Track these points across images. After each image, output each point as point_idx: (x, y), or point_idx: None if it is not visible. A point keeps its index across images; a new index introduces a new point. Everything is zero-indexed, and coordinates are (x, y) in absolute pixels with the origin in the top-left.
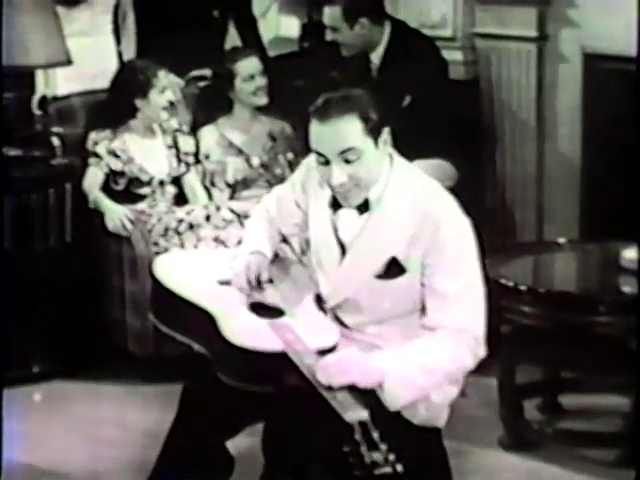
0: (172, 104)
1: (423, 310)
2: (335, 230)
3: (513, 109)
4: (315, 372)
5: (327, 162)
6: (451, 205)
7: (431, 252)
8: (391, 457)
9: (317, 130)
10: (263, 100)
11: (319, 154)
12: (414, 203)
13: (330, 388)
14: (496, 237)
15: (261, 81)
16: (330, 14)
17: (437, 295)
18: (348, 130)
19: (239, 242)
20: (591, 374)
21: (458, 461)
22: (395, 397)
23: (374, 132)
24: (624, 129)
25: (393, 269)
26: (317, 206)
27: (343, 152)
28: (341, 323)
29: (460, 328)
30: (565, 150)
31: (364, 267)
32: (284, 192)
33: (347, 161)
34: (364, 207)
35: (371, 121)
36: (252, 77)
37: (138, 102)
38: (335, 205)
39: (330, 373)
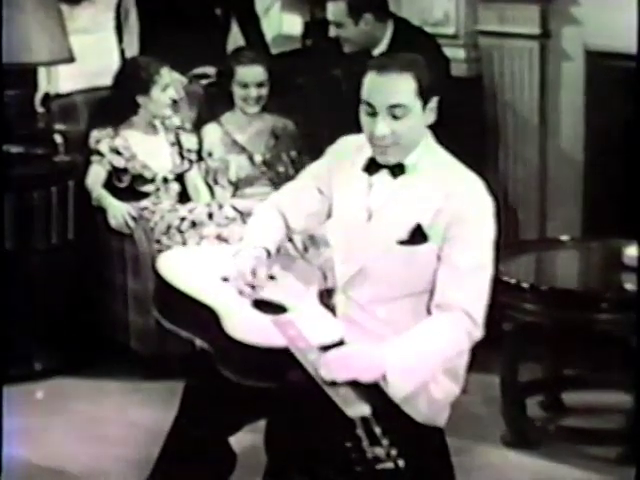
0: (175, 101)
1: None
2: (367, 196)
3: (516, 107)
4: (318, 368)
5: (374, 114)
6: (479, 185)
7: (454, 225)
8: (393, 452)
9: (372, 81)
10: (252, 110)
11: (369, 104)
12: (445, 177)
13: (333, 383)
14: (498, 234)
15: (254, 92)
16: (334, 10)
17: (451, 268)
18: (402, 86)
19: (241, 239)
20: (593, 371)
21: (461, 458)
22: (399, 388)
23: (425, 96)
24: (626, 127)
25: (417, 236)
26: (349, 180)
27: (392, 106)
28: (351, 305)
29: (464, 308)
30: (567, 147)
31: (389, 231)
32: (302, 183)
33: (394, 116)
34: (399, 171)
35: (424, 85)
36: (245, 85)
37: (140, 99)
38: (370, 169)
39: (333, 369)
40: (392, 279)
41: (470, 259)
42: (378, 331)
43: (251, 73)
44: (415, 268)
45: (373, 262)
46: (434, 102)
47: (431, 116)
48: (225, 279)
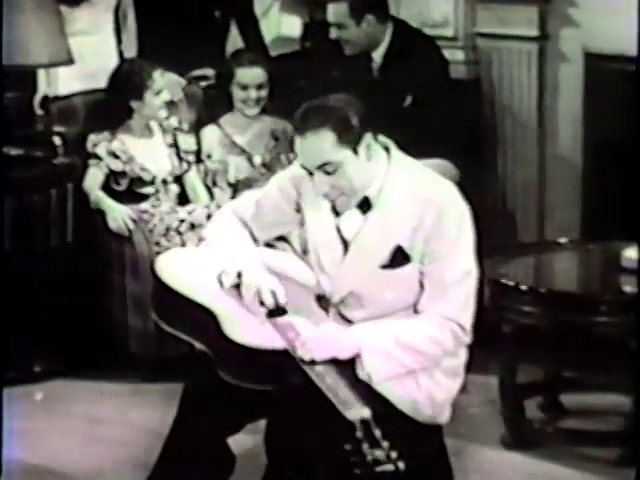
0: (172, 103)
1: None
2: (338, 230)
3: (514, 109)
4: (296, 350)
5: (312, 174)
6: (451, 191)
7: (433, 239)
8: (393, 455)
9: (298, 144)
10: (251, 111)
11: (303, 167)
12: (415, 194)
13: (312, 362)
14: (497, 237)
15: (254, 94)
16: (335, 11)
17: (435, 282)
18: (322, 145)
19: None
20: (592, 373)
21: (459, 460)
22: (375, 368)
23: (352, 141)
24: (625, 129)
25: (398, 258)
26: (317, 211)
27: (321, 166)
28: (345, 320)
29: (449, 317)
30: (566, 149)
31: (369, 259)
32: (269, 194)
33: (327, 172)
34: (366, 206)
35: (348, 131)
36: (245, 87)
37: (133, 103)
38: (336, 211)
39: (310, 348)
40: (381, 300)
41: (453, 271)
42: None
43: (250, 75)
44: (403, 288)
45: (359, 287)
46: (367, 138)
47: (371, 151)
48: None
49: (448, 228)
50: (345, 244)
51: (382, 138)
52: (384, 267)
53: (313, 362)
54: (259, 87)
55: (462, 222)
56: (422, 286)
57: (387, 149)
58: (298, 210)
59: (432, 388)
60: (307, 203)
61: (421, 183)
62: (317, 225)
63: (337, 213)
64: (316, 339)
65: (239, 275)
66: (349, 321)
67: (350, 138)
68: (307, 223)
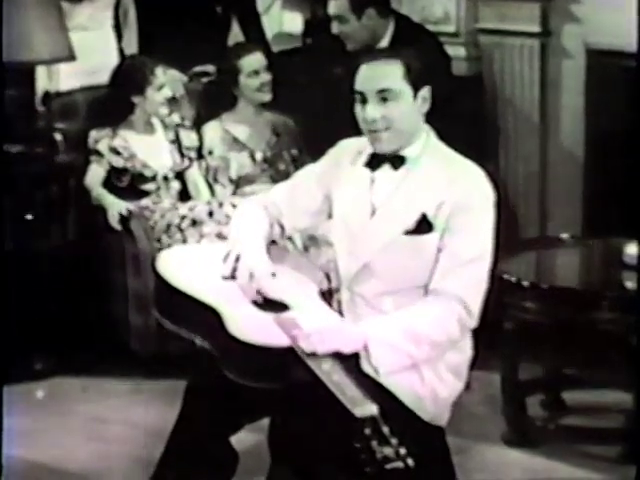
0: (174, 99)
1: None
2: (369, 192)
3: (516, 105)
4: (298, 342)
5: (365, 101)
6: (480, 176)
7: (455, 215)
8: (402, 451)
9: (362, 71)
10: (268, 96)
11: (359, 93)
12: (447, 169)
13: (314, 355)
14: (499, 232)
15: (266, 77)
16: (336, 5)
17: (452, 257)
18: (389, 72)
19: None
20: (594, 370)
21: (461, 457)
22: (383, 361)
23: (415, 82)
24: (627, 125)
25: (422, 226)
26: (350, 179)
27: (381, 91)
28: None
29: (459, 296)
30: (568, 145)
31: (394, 223)
32: (299, 181)
33: (384, 100)
34: (399, 162)
35: (414, 70)
36: (257, 73)
37: (135, 99)
38: (372, 165)
39: (313, 342)
40: (397, 272)
41: (471, 249)
42: None
43: (256, 59)
44: (420, 259)
45: (378, 256)
46: (426, 91)
47: (424, 105)
48: (226, 278)
49: (471, 206)
50: (373, 210)
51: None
52: (408, 233)
53: (316, 356)
54: (266, 70)
55: (485, 205)
56: (437, 264)
57: (427, 131)
58: (329, 200)
59: (436, 384)
60: (340, 180)
61: (454, 161)
62: (349, 192)
63: (374, 166)
64: (320, 332)
65: (237, 259)
66: (357, 309)
67: (415, 79)
68: (336, 201)
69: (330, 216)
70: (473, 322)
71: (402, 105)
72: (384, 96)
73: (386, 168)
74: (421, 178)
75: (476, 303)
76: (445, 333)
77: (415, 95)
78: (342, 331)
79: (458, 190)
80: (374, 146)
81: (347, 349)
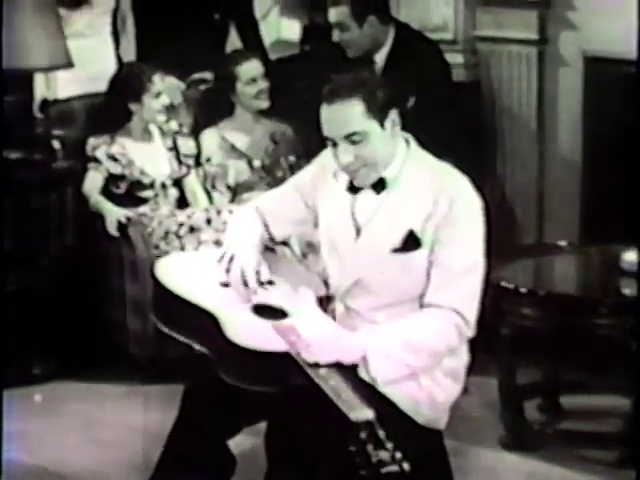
0: (172, 107)
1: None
2: (352, 212)
3: (514, 112)
4: (297, 350)
5: (335, 144)
6: (465, 184)
7: (443, 227)
8: (398, 455)
9: (325, 114)
10: (265, 103)
11: (328, 138)
12: (430, 182)
13: (316, 365)
14: (497, 239)
15: (263, 84)
16: (337, 13)
17: (444, 270)
18: (351, 114)
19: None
20: (592, 375)
21: (459, 461)
22: (381, 371)
23: (379, 114)
24: (624, 132)
25: (410, 242)
26: (333, 194)
27: (347, 136)
28: (348, 319)
29: (455, 308)
30: (566, 152)
31: (381, 242)
32: (285, 190)
33: (353, 142)
34: (381, 186)
35: (376, 103)
36: (254, 80)
37: (132, 106)
38: (353, 189)
39: (314, 352)
40: (389, 287)
41: (462, 260)
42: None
43: (253, 67)
44: (411, 274)
45: (369, 273)
46: (393, 114)
47: (395, 127)
48: (224, 284)
49: (459, 217)
50: (358, 229)
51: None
52: (395, 251)
53: (317, 365)
54: (263, 77)
55: (473, 214)
56: (429, 278)
57: (407, 141)
58: (314, 210)
59: (433, 388)
60: (325, 194)
61: (437, 172)
62: (332, 209)
63: (355, 190)
64: (320, 342)
65: (231, 259)
66: (352, 321)
67: (378, 110)
68: (321, 213)
69: (316, 225)
70: (470, 331)
71: (372, 141)
72: (352, 139)
73: (367, 190)
74: (404, 193)
75: (472, 313)
76: (444, 343)
77: (382, 124)
78: (343, 341)
79: (444, 203)
80: (354, 182)
81: (347, 359)
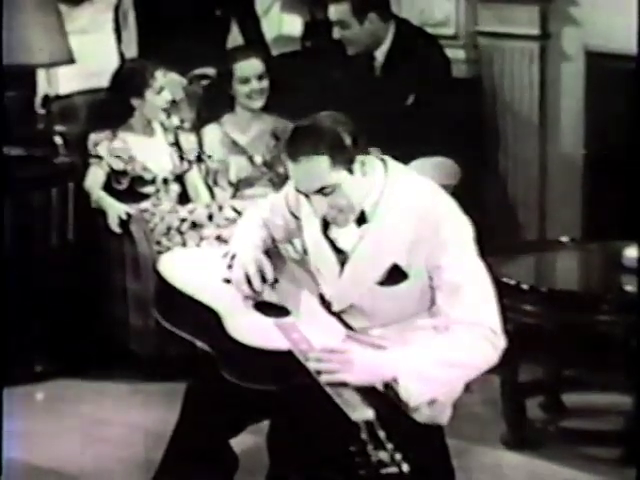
0: (174, 102)
1: (430, 309)
2: (333, 241)
3: (515, 107)
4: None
5: (308, 197)
6: (448, 203)
7: (435, 254)
8: (397, 456)
9: (291, 170)
10: (257, 104)
11: (299, 191)
12: (411, 208)
13: (335, 385)
14: (498, 236)
15: (256, 85)
16: (338, 10)
17: (449, 291)
18: (317, 170)
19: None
20: (594, 373)
21: (461, 459)
22: (414, 393)
23: (346, 162)
24: (626, 127)
25: (395, 275)
26: (312, 222)
27: (317, 191)
28: (346, 325)
29: (474, 321)
30: (567, 148)
31: (365, 275)
32: (278, 201)
33: (324, 194)
34: (361, 219)
35: (342, 153)
36: (247, 80)
37: (135, 102)
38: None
39: (348, 372)
40: (382, 313)
41: (463, 276)
42: (376, 343)
43: (249, 66)
44: (403, 302)
45: (358, 300)
46: (362, 158)
47: (365, 167)
48: (227, 281)
49: (449, 240)
50: (342, 256)
51: (377, 153)
52: (381, 284)
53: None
54: (260, 78)
55: (461, 231)
56: (435, 301)
57: (383, 160)
58: (299, 221)
59: None
60: (305, 216)
61: (418, 197)
62: (313, 238)
63: (327, 226)
64: (355, 364)
65: (234, 256)
66: (351, 328)
67: (344, 159)
68: (305, 235)
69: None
70: (501, 341)
71: (344, 189)
72: (323, 192)
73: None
74: (385, 224)
75: (494, 319)
76: (482, 357)
77: (351, 171)
78: (377, 364)
79: (429, 226)
80: (334, 224)
81: (377, 381)
